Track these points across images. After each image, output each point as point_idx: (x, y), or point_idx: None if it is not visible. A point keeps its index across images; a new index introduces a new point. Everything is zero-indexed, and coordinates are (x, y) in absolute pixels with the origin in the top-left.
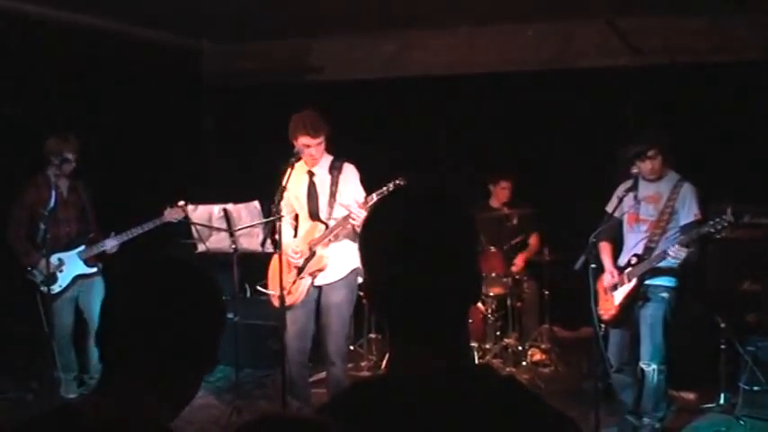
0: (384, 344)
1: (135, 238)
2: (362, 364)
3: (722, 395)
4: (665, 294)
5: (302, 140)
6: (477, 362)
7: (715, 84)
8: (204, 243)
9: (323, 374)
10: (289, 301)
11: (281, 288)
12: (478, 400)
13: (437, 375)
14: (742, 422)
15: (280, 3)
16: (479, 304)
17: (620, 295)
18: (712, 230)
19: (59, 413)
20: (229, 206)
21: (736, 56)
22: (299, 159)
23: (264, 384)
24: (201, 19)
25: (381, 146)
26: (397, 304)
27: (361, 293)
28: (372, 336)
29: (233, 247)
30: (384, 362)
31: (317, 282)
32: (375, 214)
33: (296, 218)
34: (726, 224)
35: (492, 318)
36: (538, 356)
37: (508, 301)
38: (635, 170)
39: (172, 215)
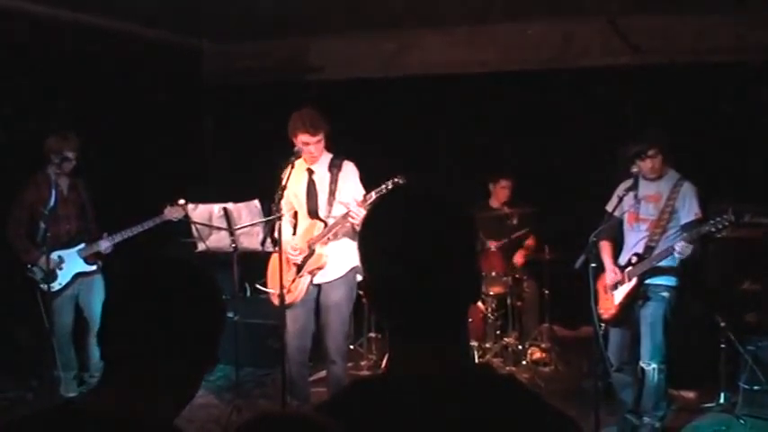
0: (384, 343)
1: (134, 236)
2: (362, 363)
3: (722, 394)
4: (665, 293)
5: (301, 138)
6: (477, 361)
7: (715, 84)
8: (204, 242)
9: (323, 373)
10: (288, 299)
11: (281, 287)
12: (478, 399)
13: (437, 375)
14: (742, 421)
15: (280, 2)
16: (479, 303)
17: (620, 294)
18: (713, 230)
19: (61, 410)
20: (229, 205)
21: (736, 56)
22: (299, 158)
23: (264, 383)
24: (201, 19)
25: (381, 145)
26: (396, 304)
27: (361, 292)
28: (372, 335)
29: (233, 246)
30: (384, 361)
31: (317, 280)
32: (375, 213)
33: (295, 215)
34: (727, 223)
35: (492, 317)
36: (538, 355)
37: (508, 301)
38: (635, 169)
39: (172, 213)
